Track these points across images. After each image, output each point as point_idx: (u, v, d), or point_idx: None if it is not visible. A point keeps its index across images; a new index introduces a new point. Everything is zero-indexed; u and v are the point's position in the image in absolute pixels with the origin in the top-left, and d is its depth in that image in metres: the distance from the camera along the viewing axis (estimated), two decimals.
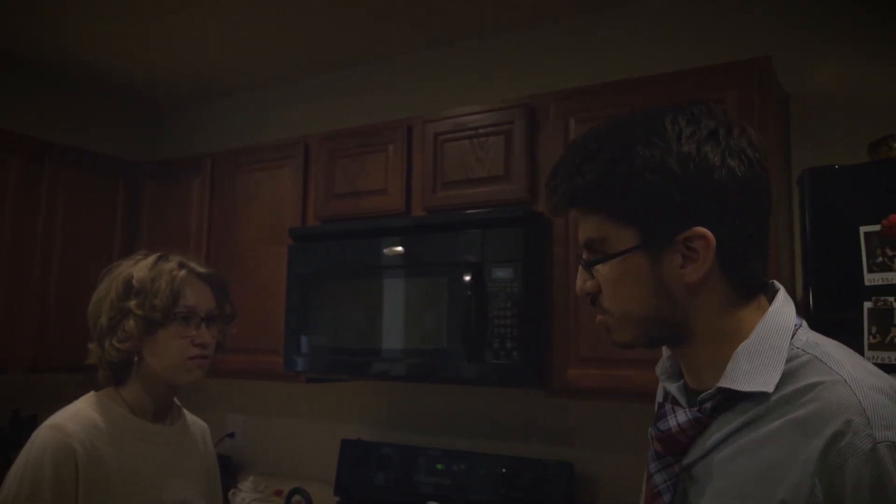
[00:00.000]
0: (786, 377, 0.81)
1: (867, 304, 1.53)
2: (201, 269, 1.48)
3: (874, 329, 1.51)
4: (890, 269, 1.51)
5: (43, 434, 1.35)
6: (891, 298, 1.50)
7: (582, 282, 0.92)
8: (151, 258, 1.46)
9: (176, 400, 1.55)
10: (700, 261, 0.83)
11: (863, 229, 1.55)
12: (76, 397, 1.48)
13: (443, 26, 2.80)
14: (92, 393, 1.47)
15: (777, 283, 0.91)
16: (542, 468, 2.38)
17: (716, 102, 0.90)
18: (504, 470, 2.42)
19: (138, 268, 1.44)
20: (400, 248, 2.33)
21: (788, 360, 0.82)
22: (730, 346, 0.84)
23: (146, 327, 1.39)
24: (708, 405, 0.85)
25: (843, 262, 1.58)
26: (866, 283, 1.54)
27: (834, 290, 1.58)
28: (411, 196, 2.50)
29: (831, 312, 1.59)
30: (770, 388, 0.80)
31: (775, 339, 0.83)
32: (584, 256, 0.92)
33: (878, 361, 1.49)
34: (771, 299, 0.88)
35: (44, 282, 2.92)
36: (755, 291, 0.88)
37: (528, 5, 2.61)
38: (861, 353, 1.51)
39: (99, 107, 3.60)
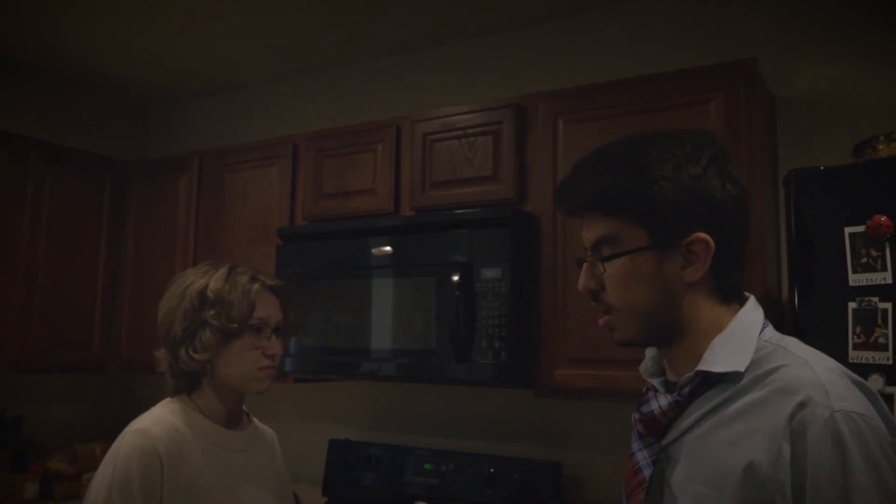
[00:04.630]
0: (755, 363, 0.93)
1: (852, 305, 1.54)
2: (271, 282, 1.51)
3: (858, 329, 1.52)
4: (874, 270, 1.52)
5: (129, 439, 1.36)
6: (875, 299, 1.51)
7: (586, 279, 1.02)
8: (223, 270, 1.48)
9: (244, 407, 1.57)
10: (699, 263, 0.95)
11: (848, 230, 1.57)
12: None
13: (433, 26, 2.80)
14: (168, 399, 1.49)
15: (749, 294, 1.03)
16: (530, 468, 2.39)
17: (708, 133, 1.05)
18: (492, 470, 2.43)
19: (213, 279, 1.46)
20: (388, 248, 2.33)
21: (757, 350, 0.94)
22: (708, 341, 0.97)
23: (222, 338, 1.42)
24: (686, 389, 0.96)
25: (828, 263, 1.59)
26: (851, 284, 1.55)
27: (819, 291, 1.59)
28: (400, 196, 2.50)
29: (816, 312, 1.61)
30: (741, 368, 0.92)
31: (746, 331, 0.96)
32: (591, 255, 1.01)
33: (862, 361, 1.51)
34: (743, 306, 1.01)
35: (29, 281, 2.90)
36: (734, 297, 1.00)
37: (517, 6, 2.62)
38: (845, 353, 1.54)
39: (86, 105, 3.57)
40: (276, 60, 3.18)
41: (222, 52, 3.10)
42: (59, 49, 3.10)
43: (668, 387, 1.02)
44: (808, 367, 0.89)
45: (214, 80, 3.43)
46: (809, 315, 1.62)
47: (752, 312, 0.99)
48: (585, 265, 1.02)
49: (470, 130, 2.36)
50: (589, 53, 2.60)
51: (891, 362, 1.48)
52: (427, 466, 2.57)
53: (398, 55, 3.04)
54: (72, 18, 2.80)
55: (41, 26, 2.87)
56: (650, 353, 1.08)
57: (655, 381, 1.05)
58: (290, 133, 2.88)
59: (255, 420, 1.62)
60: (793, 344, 0.96)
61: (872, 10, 2.15)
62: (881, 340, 1.50)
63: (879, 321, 1.50)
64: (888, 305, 1.50)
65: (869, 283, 1.53)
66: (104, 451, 1.43)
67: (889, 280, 1.51)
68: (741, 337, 0.95)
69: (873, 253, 1.53)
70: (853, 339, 1.52)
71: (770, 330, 0.99)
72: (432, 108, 2.54)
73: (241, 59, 3.18)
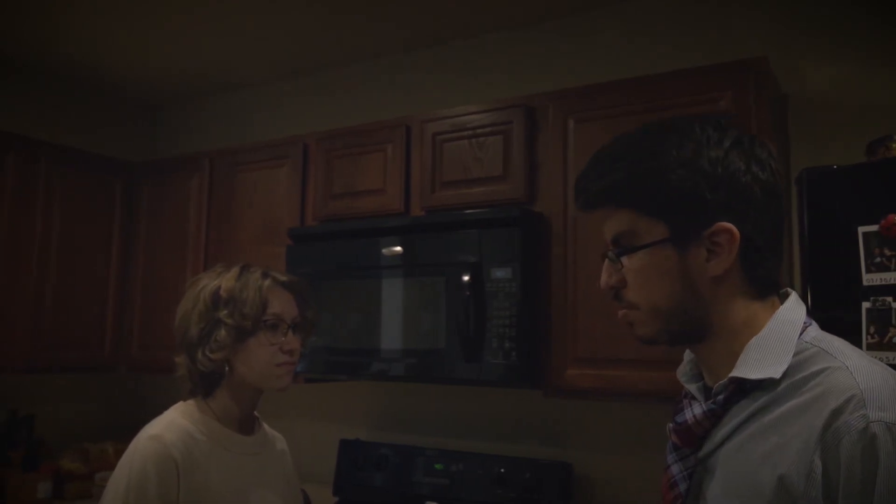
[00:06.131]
0: (794, 367, 0.85)
1: (865, 305, 1.53)
2: (284, 278, 1.52)
3: (872, 329, 1.51)
4: (888, 270, 1.51)
5: (143, 444, 1.37)
6: (889, 298, 1.50)
7: (607, 276, 0.96)
8: (235, 270, 1.50)
9: (256, 412, 1.58)
10: (724, 255, 0.88)
11: (861, 229, 1.55)
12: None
13: (442, 25, 2.80)
14: (181, 402, 1.50)
15: (791, 290, 0.95)
16: (539, 468, 2.38)
17: (735, 115, 0.97)
18: (502, 470, 2.42)
19: (225, 279, 1.47)
20: (398, 248, 2.33)
21: (797, 353, 0.86)
22: (743, 341, 0.89)
23: (237, 336, 1.43)
24: (721, 397, 0.89)
25: (841, 262, 1.58)
26: (865, 284, 1.54)
27: (832, 290, 1.58)
28: (410, 196, 2.49)
29: (830, 312, 1.59)
30: (777, 375, 0.85)
31: (784, 332, 0.88)
32: (611, 251, 0.95)
33: None
34: (783, 302, 0.93)
35: (40, 282, 2.92)
36: (769, 290, 0.93)
37: (526, 4, 2.61)
38: None
39: (96, 107, 3.59)
40: (285, 61, 3.18)
41: (231, 52, 3.11)
42: (68, 52, 3.12)
43: (707, 393, 0.95)
44: (847, 371, 0.81)
45: (224, 80, 3.44)
46: (823, 315, 1.60)
47: (792, 311, 0.91)
48: (606, 262, 0.97)
49: (479, 130, 2.36)
50: (598, 53, 2.59)
51: None
52: (437, 466, 2.57)
53: (408, 55, 3.05)
54: (76, 19, 2.81)
55: (45, 27, 2.88)
56: (688, 355, 1.01)
57: (693, 387, 0.97)
58: (299, 133, 2.88)
59: (266, 425, 1.63)
60: (836, 346, 0.87)
61: (885, 8, 2.13)
62: (895, 340, 1.49)
63: (894, 321, 1.49)
64: None
65: (883, 282, 1.52)
66: (116, 451, 1.44)
67: None
68: (778, 339, 0.88)
69: (887, 252, 1.51)
70: (867, 338, 1.51)
71: (813, 329, 0.91)
72: (442, 107, 2.54)
73: (250, 59, 3.19)
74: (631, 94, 2.12)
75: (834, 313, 1.58)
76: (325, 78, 3.27)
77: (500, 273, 2.13)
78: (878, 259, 1.52)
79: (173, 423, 1.42)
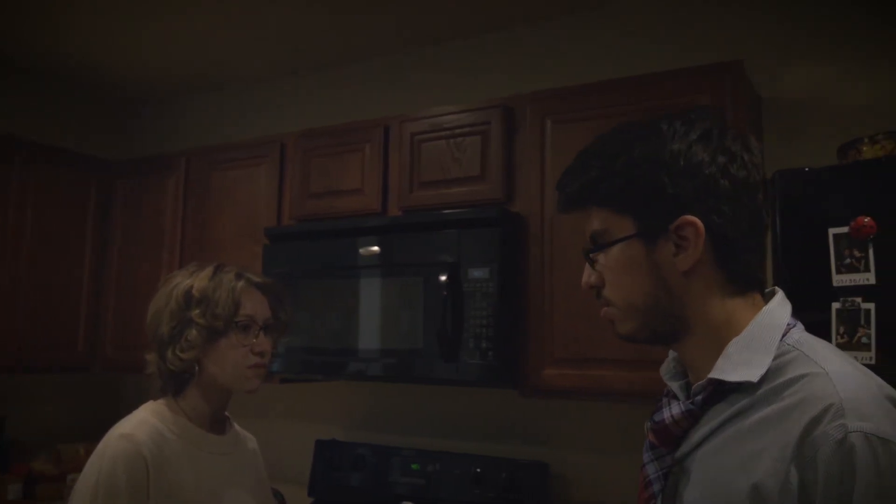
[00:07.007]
0: (773, 371, 0.83)
1: (835, 305, 1.55)
2: (257, 279, 1.51)
3: (842, 329, 1.53)
4: (857, 271, 1.53)
5: (114, 443, 1.35)
6: (858, 299, 1.53)
7: (587, 275, 0.97)
8: (208, 269, 1.49)
9: (227, 412, 1.57)
10: (691, 248, 0.87)
11: (832, 231, 1.57)
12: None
13: (421, 27, 2.80)
14: (151, 401, 1.49)
15: (778, 288, 0.94)
16: (516, 468, 2.39)
17: (715, 108, 0.97)
18: (479, 470, 2.43)
19: (197, 279, 1.46)
20: (376, 248, 2.32)
21: (778, 356, 0.84)
22: (724, 340, 0.87)
23: (208, 336, 1.42)
24: (699, 397, 0.87)
25: (812, 263, 1.60)
26: (835, 284, 1.56)
27: (803, 291, 1.59)
28: (388, 196, 2.49)
29: (800, 313, 1.61)
30: (755, 379, 0.82)
31: (766, 334, 0.86)
32: (584, 250, 0.96)
33: None
34: (768, 300, 0.91)
35: (13, 281, 2.88)
36: (749, 285, 0.91)
37: (505, 7, 2.62)
38: None
39: (71, 103, 3.55)
40: (264, 60, 3.17)
41: (210, 51, 3.08)
42: (46, 48, 3.08)
43: (689, 392, 0.93)
44: (828, 378, 0.78)
45: (202, 79, 3.41)
46: (793, 315, 1.63)
47: (775, 311, 0.89)
48: (586, 261, 0.97)
49: (458, 131, 2.36)
50: (577, 55, 2.60)
51: (874, 362, 1.49)
52: (414, 466, 2.57)
53: (387, 55, 3.04)
54: (54, 14, 2.77)
55: (22, 22, 2.84)
56: (673, 353, 0.99)
57: (675, 385, 0.95)
58: (277, 132, 2.87)
59: (237, 425, 1.62)
60: (818, 350, 0.85)
61: (857, 12, 2.16)
62: (864, 340, 1.51)
63: (862, 321, 1.51)
64: (871, 306, 1.51)
65: (852, 283, 1.54)
66: (88, 452, 1.42)
67: (872, 280, 1.52)
68: (760, 341, 0.85)
69: (856, 254, 1.54)
70: (837, 338, 1.53)
71: (797, 331, 0.88)
72: (421, 108, 2.54)
73: (228, 58, 3.17)
74: (609, 96, 2.13)
75: (805, 314, 1.60)
76: (305, 78, 3.26)
77: (477, 273, 2.13)
78: (848, 260, 1.55)
79: (144, 421, 1.40)
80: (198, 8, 2.69)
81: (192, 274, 1.48)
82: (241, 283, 1.47)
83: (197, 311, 1.42)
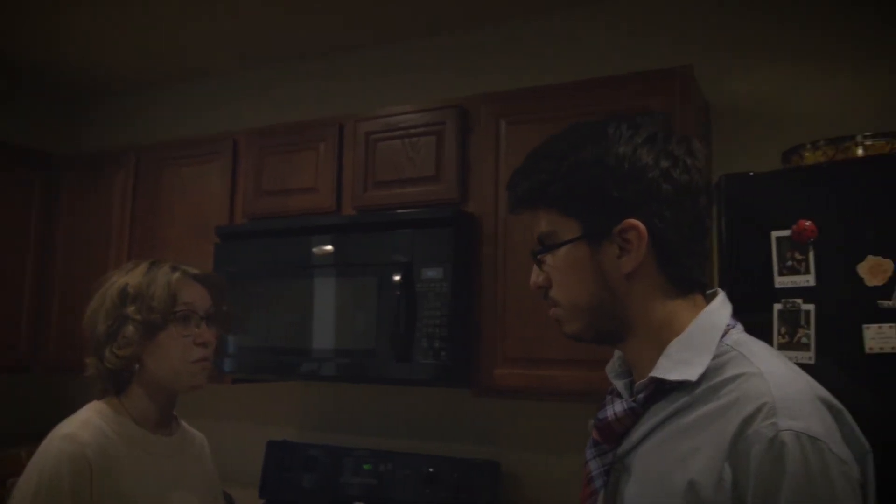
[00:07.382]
0: (712, 370, 0.85)
1: (777, 306, 1.60)
2: (195, 271, 1.48)
3: (783, 329, 1.58)
4: (798, 273, 1.58)
5: (56, 444, 1.31)
6: (799, 300, 1.57)
7: (535, 276, 0.98)
8: (143, 265, 1.46)
9: (175, 412, 1.53)
10: (633, 251, 0.89)
11: (774, 234, 1.62)
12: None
13: (377, 25, 2.79)
14: (95, 401, 1.44)
15: (720, 290, 0.96)
16: (468, 467, 2.40)
17: (661, 113, 0.97)
18: (431, 469, 2.43)
19: (132, 275, 1.43)
20: (330, 248, 2.31)
21: (717, 356, 0.86)
22: (665, 340, 0.90)
23: (146, 331, 1.38)
24: (641, 395, 0.89)
25: (755, 265, 1.64)
26: (776, 286, 1.61)
27: (747, 292, 1.64)
28: (342, 195, 2.48)
29: (744, 313, 1.65)
30: (693, 378, 0.85)
31: (706, 335, 0.88)
32: (533, 251, 0.97)
33: None
34: (710, 302, 0.94)
35: None
36: (690, 287, 0.93)
37: (461, 8, 2.63)
38: None
39: (15, 95, 3.43)
40: (216, 55, 3.12)
41: (160, 43, 3.02)
42: None
43: (633, 390, 0.95)
44: (762, 378, 0.81)
45: (153, 73, 3.34)
46: (738, 316, 1.67)
47: (716, 313, 0.91)
48: (534, 262, 0.98)
49: (413, 130, 2.36)
50: (530, 58, 2.63)
51: (813, 361, 1.54)
52: (366, 467, 2.56)
53: (343, 53, 3.02)
54: (3, 7, 2.68)
55: None
56: (618, 352, 1.01)
57: (619, 384, 0.97)
58: (230, 129, 2.83)
59: (185, 424, 1.58)
60: (755, 350, 0.87)
61: (802, 20, 2.23)
62: (804, 340, 1.56)
63: (802, 322, 1.56)
64: (811, 307, 1.56)
65: (793, 285, 1.59)
66: (30, 456, 1.37)
67: (812, 283, 1.57)
68: (700, 341, 0.88)
69: (797, 256, 1.59)
70: (778, 339, 1.58)
71: (736, 332, 0.91)
72: (376, 107, 2.54)
73: (181, 52, 3.11)
74: (562, 99, 2.16)
75: (748, 314, 1.65)
76: (261, 74, 3.21)
77: (431, 273, 2.13)
78: (790, 262, 1.59)
79: (88, 422, 1.37)
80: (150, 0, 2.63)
81: (127, 272, 1.46)
82: (176, 275, 1.43)
83: (133, 308, 1.39)
